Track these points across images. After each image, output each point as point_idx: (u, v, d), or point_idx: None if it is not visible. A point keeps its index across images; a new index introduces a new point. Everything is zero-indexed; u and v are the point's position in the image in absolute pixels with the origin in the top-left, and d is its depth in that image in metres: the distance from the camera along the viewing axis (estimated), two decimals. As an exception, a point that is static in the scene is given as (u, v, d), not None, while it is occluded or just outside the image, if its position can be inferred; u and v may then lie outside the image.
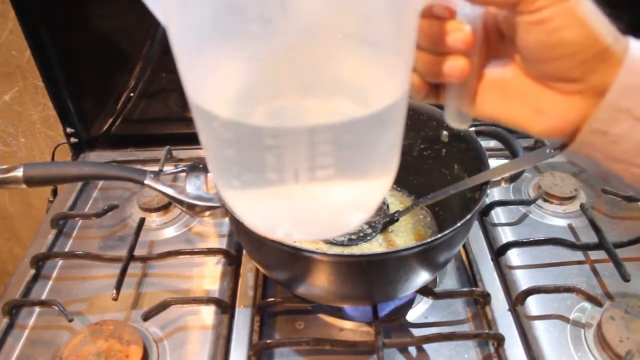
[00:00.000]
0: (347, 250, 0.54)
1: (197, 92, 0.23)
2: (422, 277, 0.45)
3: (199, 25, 0.21)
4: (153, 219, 0.65)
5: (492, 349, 0.49)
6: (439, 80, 0.27)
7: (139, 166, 0.72)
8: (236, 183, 0.24)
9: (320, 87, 0.22)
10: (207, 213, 0.51)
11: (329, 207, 0.25)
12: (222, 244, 0.61)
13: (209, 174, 0.55)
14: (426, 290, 0.51)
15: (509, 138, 0.53)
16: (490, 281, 0.55)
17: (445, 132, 0.55)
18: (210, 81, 0.23)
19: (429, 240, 0.40)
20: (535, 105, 0.25)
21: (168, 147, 0.75)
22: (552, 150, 0.45)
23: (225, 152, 0.23)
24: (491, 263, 0.57)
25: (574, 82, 0.24)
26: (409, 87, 0.25)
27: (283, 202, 0.24)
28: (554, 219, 0.64)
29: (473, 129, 0.54)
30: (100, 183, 0.73)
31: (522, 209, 0.65)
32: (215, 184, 0.27)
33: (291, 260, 0.43)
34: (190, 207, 0.51)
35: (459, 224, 0.41)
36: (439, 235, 0.40)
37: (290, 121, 0.22)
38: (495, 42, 0.26)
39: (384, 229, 0.57)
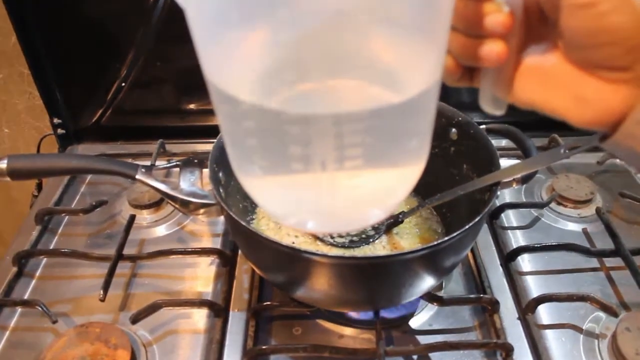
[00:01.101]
0: (348, 253, 0.54)
1: (217, 75, 0.23)
2: (427, 282, 0.45)
3: (221, 5, 0.21)
4: (144, 216, 0.65)
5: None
6: (474, 64, 0.26)
7: (129, 160, 0.72)
8: (257, 170, 0.25)
9: (349, 71, 0.22)
10: (202, 211, 0.51)
11: (354, 198, 0.25)
12: (217, 243, 0.61)
13: (204, 170, 0.55)
14: (431, 296, 0.51)
15: (521, 137, 0.53)
16: (499, 288, 0.55)
17: (454, 130, 0.55)
18: (232, 64, 0.23)
19: (435, 243, 0.40)
20: (577, 93, 0.25)
21: (161, 140, 0.75)
22: (567, 151, 0.45)
23: (247, 138, 0.23)
24: (500, 269, 0.57)
25: (621, 70, 0.24)
26: (442, 72, 0.25)
27: (307, 192, 0.24)
28: (568, 224, 0.64)
29: (484, 126, 0.54)
30: (88, 177, 0.73)
31: (534, 212, 0.65)
32: (234, 170, 0.27)
33: (290, 261, 0.43)
34: (184, 204, 0.51)
35: (467, 227, 0.41)
36: (446, 238, 0.40)
37: (317, 107, 0.21)
38: (536, 25, 0.26)
39: (388, 230, 0.57)
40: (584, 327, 0.51)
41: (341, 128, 0.22)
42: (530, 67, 0.26)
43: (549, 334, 0.51)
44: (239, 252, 0.59)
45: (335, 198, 0.25)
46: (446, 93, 0.26)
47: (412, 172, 0.27)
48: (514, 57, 0.26)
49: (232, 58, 0.23)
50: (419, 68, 0.24)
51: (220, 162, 0.50)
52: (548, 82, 0.26)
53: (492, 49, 0.25)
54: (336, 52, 0.21)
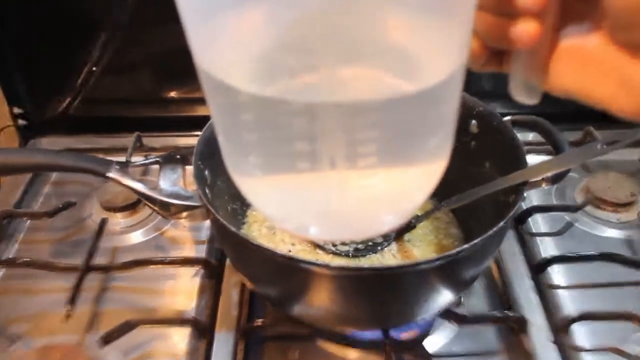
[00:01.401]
0: (353, 263, 0.54)
1: (210, 62, 0.23)
2: (444, 296, 0.45)
3: None
4: (117, 221, 0.65)
5: (529, 388, 0.49)
6: (503, 46, 0.27)
7: (101, 155, 0.71)
8: (256, 169, 0.25)
9: (360, 57, 0.22)
10: (184, 214, 0.50)
11: (367, 201, 0.26)
12: (201, 252, 0.61)
13: (187, 167, 0.55)
14: (449, 314, 0.51)
15: (551, 130, 0.53)
16: (528, 304, 0.55)
17: (474, 122, 0.55)
18: (227, 48, 0.23)
19: (453, 251, 0.40)
20: (621, 78, 0.25)
21: (138, 133, 0.75)
22: (605, 146, 0.45)
23: (245, 132, 0.24)
24: (529, 282, 0.57)
25: None
26: (467, 57, 0.25)
27: (312, 193, 0.25)
28: (607, 230, 0.63)
29: (508, 118, 0.54)
30: (54, 175, 0.73)
31: (567, 217, 0.65)
32: (228, 169, 0.28)
33: (286, 272, 0.42)
34: (164, 207, 0.51)
35: (489, 233, 0.41)
36: (466, 246, 0.40)
37: (325, 97, 0.22)
38: (575, 2, 0.26)
39: (399, 237, 0.57)
40: (626, 350, 0.51)
41: (353, 120, 0.22)
42: (568, 49, 0.26)
43: (587, 357, 0.50)
44: (227, 262, 0.59)
45: (345, 200, 0.25)
46: (465, 80, 0.27)
47: (432, 171, 0.27)
48: (550, 38, 0.26)
49: (227, 42, 0.23)
50: (441, 52, 0.24)
51: (206, 158, 0.49)
52: (589, 66, 0.26)
53: (525, 29, 0.25)
54: (345, 35, 0.22)
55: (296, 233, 0.30)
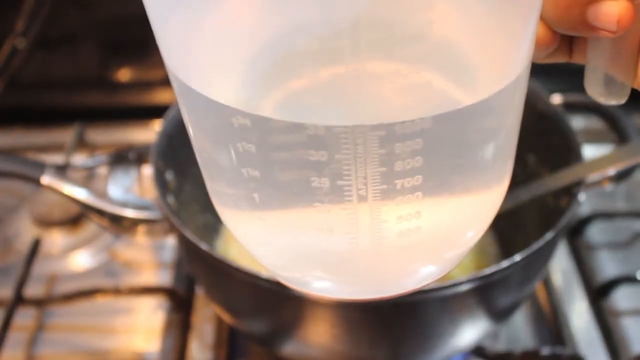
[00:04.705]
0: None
1: (186, 67, 0.23)
2: (476, 330, 0.45)
3: None
4: (54, 240, 0.65)
5: None
6: (579, 32, 0.26)
7: (32, 156, 0.72)
8: (253, 206, 0.25)
9: (401, 49, 0.21)
10: (141, 229, 0.50)
11: (407, 249, 0.25)
12: (165, 278, 0.61)
13: (144, 169, 0.55)
14: (483, 352, 0.51)
15: (615, 113, 0.53)
16: (586, 338, 0.55)
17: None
18: (211, 47, 0.22)
19: (488, 272, 0.40)
20: None
21: (79, 125, 0.75)
22: None
23: (241, 169, 0.23)
24: (587, 309, 0.58)
25: None
26: (531, 53, 0.24)
27: (330, 237, 0.24)
28: (685, 242, 0.64)
29: (559, 99, 0.54)
30: (-29, 182, 0.73)
31: (636, 226, 0.65)
32: (213, 200, 0.28)
33: (274, 302, 0.43)
34: (115, 220, 0.51)
35: (534, 247, 0.41)
36: (504, 265, 0.40)
37: (350, 114, 0.21)
38: None
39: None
40: None
41: (390, 144, 0.21)
42: None
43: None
44: (198, 290, 0.59)
45: (376, 245, 0.24)
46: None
47: (492, 202, 0.27)
48: None
49: (210, 37, 0.22)
50: (501, 50, 0.24)
51: (169, 157, 0.50)
52: None
53: (611, 11, 0.24)
54: (381, 23, 0.21)
55: (305, 290, 0.29)
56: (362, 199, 0.23)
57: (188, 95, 0.23)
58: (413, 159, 0.22)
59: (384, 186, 0.22)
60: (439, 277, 0.28)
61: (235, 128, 0.22)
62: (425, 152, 0.22)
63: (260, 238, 0.27)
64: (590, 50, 0.28)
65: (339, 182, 0.22)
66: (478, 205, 0.26)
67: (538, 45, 0.27)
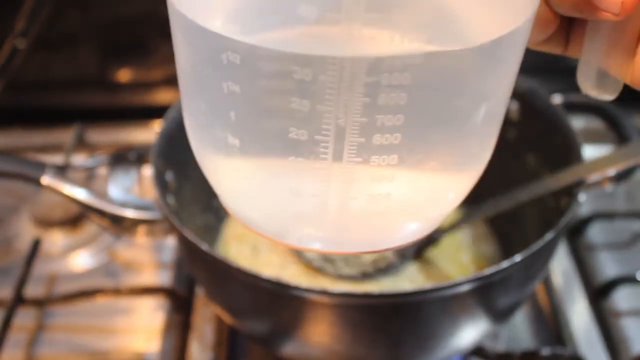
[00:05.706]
0: (360, 288, 0.54)
1: (191, 5, 0.23)
2: (476, 331, 0.45)
3: None
4: (55, 240, 0.65)
5: None
6: (581, 13, 0.25)
7: (32, 156, 0.72)
8: (234, 148, 0.24)
9: (383, 14, 0.21)
10: (141, 229, 0.50)
11: (388, 198, 0.24)
12: (165, 279, 0.61)
13: (144, 169, 0.55)
14: (483, 353, 0.51)
15: (615, 114, 0.53)
16: (587, 338, 0.55)
17: (515, 104, 0.55)
18: None
19: (488, 272, 0.40)
20: None
21: (79, 126, 0.75)
22: None
23: (226, 102, 0.23)
24: (587, 309, 0.58)
25: None
26: (535, 10, 0.24)
27: (311, 186, 0.24)
28: (686, 243, 0.63)
29: (559, 99, 0.54)
30: (-29, 183, 0.73)
31: (636, 226, 0.65)
32: (193, 147, 0.27)
33: (275, 302, 0.43)
34: (115, 221, 0.51)
35: (535, 248, 0.41)
36: (504, 265, 0.40)
37: (334, 49, 0.21)
38: None
39: (418, 255, 0.57)
40: None
41: (372, 79, 0.21)
42: None
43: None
44: (197, 290, 0.59)
45: (353, 197, 0.24)
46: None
47: (472, 166, 0.27)
48: None
49: None
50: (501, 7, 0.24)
51: (169, 157, 0.50)
52: None
53: None
54: None
55: (281, 241, 0.28)
56: (340, 131, 0.22)
57: (186, 30, 0.23)
58: (398, 94, 0.22)
59: (364, 119, 0.22)
60: (418, 237, 0.28)
61: (223, 38, 0.22)
62: (411, 90, 0.22)
63: (238, 187, 0.27)
64: (587, 39, 0.27)
65: (319, 107, 0.22)
66: (460, 165, 0.26)
67: (537, 24, 0.27)
